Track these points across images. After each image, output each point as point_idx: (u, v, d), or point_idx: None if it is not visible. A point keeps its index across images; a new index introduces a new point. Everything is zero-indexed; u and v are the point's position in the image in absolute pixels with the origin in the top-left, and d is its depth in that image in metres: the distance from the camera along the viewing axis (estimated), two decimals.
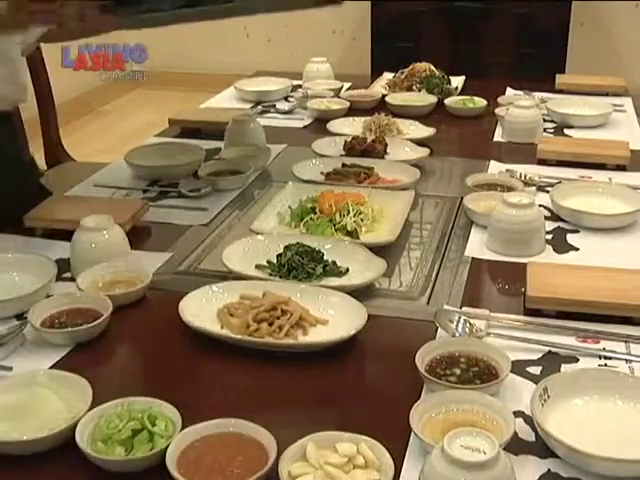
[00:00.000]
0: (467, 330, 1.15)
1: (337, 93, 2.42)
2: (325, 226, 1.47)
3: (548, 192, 1.61)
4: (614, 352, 1.12)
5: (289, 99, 2.45)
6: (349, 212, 1.48)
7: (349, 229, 1.46)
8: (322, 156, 1.85)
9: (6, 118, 1.69)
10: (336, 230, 1.46)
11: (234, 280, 1.30)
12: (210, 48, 5.16)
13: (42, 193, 1.68)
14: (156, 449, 0.89)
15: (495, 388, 1.02)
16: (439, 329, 1.16)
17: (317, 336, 1.16)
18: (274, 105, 2.38)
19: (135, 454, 0.90)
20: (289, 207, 1.54)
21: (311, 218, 1.49)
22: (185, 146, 1.94)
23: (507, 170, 1.79)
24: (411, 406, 0.94)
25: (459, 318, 1.17)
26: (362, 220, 1.47)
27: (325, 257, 1.34)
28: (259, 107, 2.38)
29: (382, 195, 1.59)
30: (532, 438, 0.95)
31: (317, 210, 1.50)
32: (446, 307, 1.24)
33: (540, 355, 1.12)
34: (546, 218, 1.49)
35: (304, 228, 1.48)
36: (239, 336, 1.14)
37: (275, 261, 1.34)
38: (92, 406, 0.96)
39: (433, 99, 2.29)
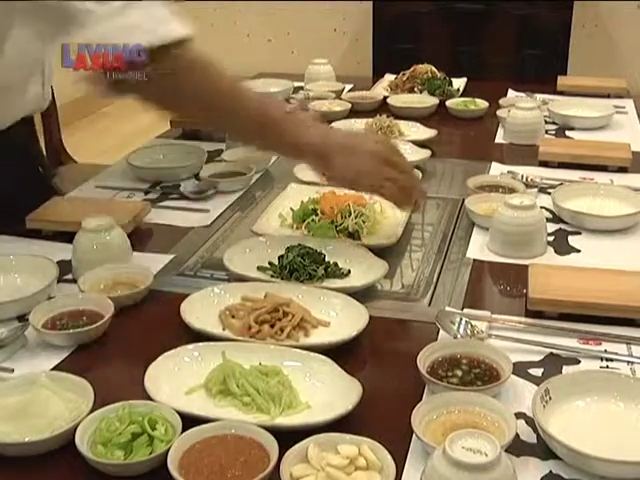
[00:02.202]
0: (469, 332, 1.15)
1: (339, 95, 2.42)
2: (327, 228, 1.47)
3: (550, 194, 1.61)
4: (616, 354, 1.12)
5: (291, 101, 2.45)
6: (350, 214, 1.48)
7: (351, 231, 1.46)
8: None
9: (28, 118, 1.71)
10: (338, 232, 1.46)
11: (236, 282, 1.30)
12: (211, 49, 5.16)
13: (53, 194, 1.70)
14: (155, 453, 0.89)
15: (496, 390, 1.02)
16: (441, 331, 1.16)
17: (319, 338, 1.16)
18: None
19: (134, 458, 0.90)
20: (291, 209, 1.54)
21: (313, 220, 1.49)
22: (187, 147, 1.95)
23: (509, 172, 1.79)
24: (413, 408, 0.94)
25: (460, 320, 1.17)
26: (364, 222, 1.47)
27: (327, 259, 1.34)
28: None
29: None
30: (533, 440, 0.95)
31: (319, 212, 1.50)
32: (448, 309, 1.24)
33: (542, 357, 1.12)
34: (548, 220, 1.49)
35: (306, 230, 1.49)
36: (241, 338, 1.14)
37: (277, 263, 1.34)
38: (93, 408, 0.96)
39: (434, 101, 2.29)
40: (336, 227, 1.47)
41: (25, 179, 1.68)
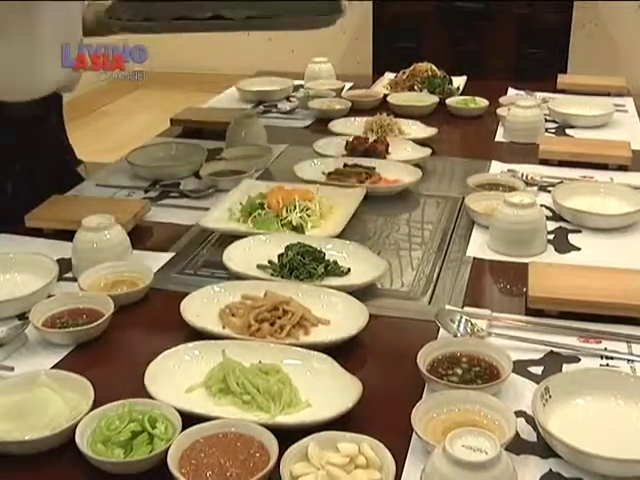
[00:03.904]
0: (469, 330, 1.15)
1: (339, 93, 2.42)
2: (271, 221, 1.48)
3: (550, 192, 1.61)
4: (616, 352, 1.12)
5: (291, 99, 2.45)
6: (295, 208, 1.49)
7: (294, 224, 1.47)
8: (324, 156, 1.85)
9: (58, 106, 1.76)
10: (282, 225, 1.48)
11: (236, 280, 1.30)
12: (211, 48, 5.17)
13: (78, 180, 1.80)
14: (155, 452, 0.89)
15: (497, 388, 1.02)
16: (441, 329, 1.16)
17: (318, 336, 1.16)
18: (276, 105, 2.38)
19: (134, 456, 0.90)
20: (240, 203, 1.55)
21: (259, 213, 1.50)
22: (187, 146, 1.95)
23: (509, 170, 1.79)
24: (413, 406, 0.94)
25: (461, 318, 1.17)
26: (309, 216, 1.49)
27: (326, 257, 1.34)
28: (261, 107, 2.39)
29: (333, 192, 1.60)
30: (534, 438, 0.95)
31: (265, 206, 1.52)
32: (448, 307, 1.24)
33: (542, 355, 1.12)
34: (548, 218, 1.49)
35: (252, 223, 1.50)
36: (241, 336, 1.14)
37: (276, 261, 1.34)
38: (93, 406, 0.96)
39: (435, 99, 2.29)
40: (280, 220, 1.48)
41: (54, 166, 1.75)
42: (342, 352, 1.10)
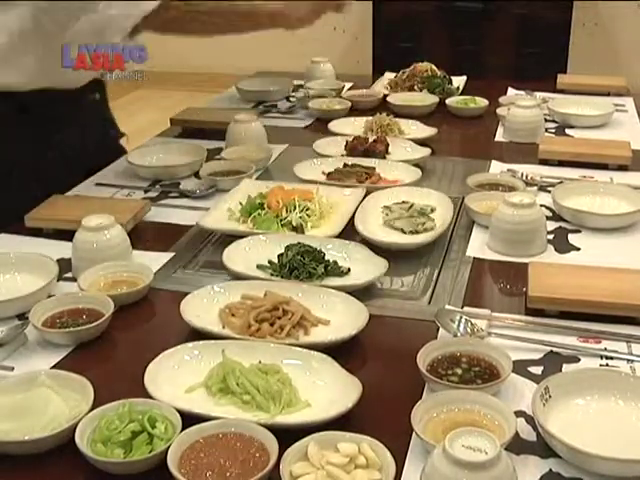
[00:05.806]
0: (468, 330, 1.15)
1: (339, 93, 2.42)
2: (271, 221, 1.49)
3: (549, 192, 1.61)
4: (615, 352, 1.12)
5: (290, 99, 2.45)
6: (295, 208, 1.50)
7: (294, 224, 1.48)
8: (323, 156, 1.85)
9: (98, 83, 1.82)
10: (282, 225, 1.48)
11: (235, 280, 1.30)
12: (211, 48, 5.15)
13: (120, 153, 1.93)
14: (155, 452, 0.89)
15: (496, 388, 1.02)
16: (440, 329, 1.16)
17: (318, 336, 1.16)
18: (275, 105, 2.38)
19: (133, 456, 0.90)
20: (240, 203, 1.55)
21: (259, 213, 1.51)
22: (186, 146, 1.95)
23: (509, 170, 1.79)
24: (412, 406, 0.94)
25: (460, 318, 1.17)
26: (308, 216, 1.49)
27: (326, 257, 1.34)
28: (260, 107, 2.39)
29: (333, 192, 1.60)
30: (533, 438, 0.95)
31: (265, 206, 1.52)
32: (447, 307, 1.24)
33: (541, 355, 1.12)
34: (547, 218, 1.49)
35: (252, 223, 1.50)
36: (240, 336, 1.14)
37: (276, 261, 1.34)
38: (93, 406, 0.96)
39: (434, 99, 2.29)
40: (280, 220, 1.48)
41: (97, 139, 1.83)
42: (342, 352, 1.10)
